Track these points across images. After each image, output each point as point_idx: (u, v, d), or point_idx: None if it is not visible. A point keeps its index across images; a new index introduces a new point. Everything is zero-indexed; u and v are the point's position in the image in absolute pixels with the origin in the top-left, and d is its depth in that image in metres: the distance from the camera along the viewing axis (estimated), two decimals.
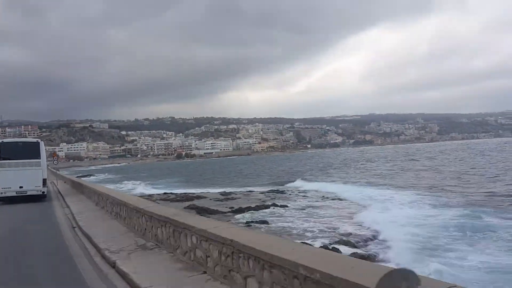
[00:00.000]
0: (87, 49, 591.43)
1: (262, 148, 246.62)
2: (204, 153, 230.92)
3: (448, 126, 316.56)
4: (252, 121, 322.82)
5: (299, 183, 46.87)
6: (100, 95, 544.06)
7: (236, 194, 37.77)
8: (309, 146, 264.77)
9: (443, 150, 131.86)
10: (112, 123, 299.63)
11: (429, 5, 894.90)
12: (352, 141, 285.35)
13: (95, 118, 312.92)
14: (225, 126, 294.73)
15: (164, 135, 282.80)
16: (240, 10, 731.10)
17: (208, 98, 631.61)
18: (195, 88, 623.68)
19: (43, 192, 22.40)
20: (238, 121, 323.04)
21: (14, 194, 21.57)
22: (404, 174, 51.20)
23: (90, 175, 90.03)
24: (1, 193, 21.35)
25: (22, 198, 21.58)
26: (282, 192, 38.72)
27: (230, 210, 26.99)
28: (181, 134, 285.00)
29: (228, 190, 43.01)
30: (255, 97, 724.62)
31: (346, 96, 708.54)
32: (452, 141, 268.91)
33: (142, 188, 50.79)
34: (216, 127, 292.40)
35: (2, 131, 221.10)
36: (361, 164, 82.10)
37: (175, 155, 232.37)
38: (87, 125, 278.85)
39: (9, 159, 21.51)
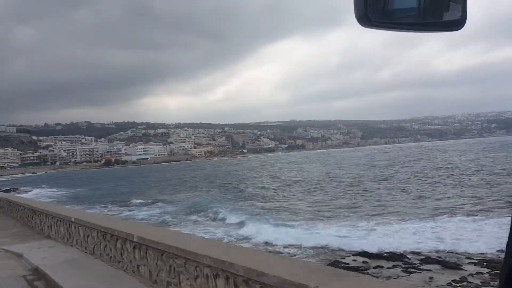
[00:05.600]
0: None
1: (199, 153, 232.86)
2: (137, 159, 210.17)
3: (369, 132, 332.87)
4: (178, 126, 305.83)
5: None
6: (2, 97, 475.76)
7: None
8: (245, 151, 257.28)
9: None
10: (18, 128, 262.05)
11: (339, 19, 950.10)
12: (285, 146, 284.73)
13: None
14: (153, 131, 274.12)
15: (83, 140, 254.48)
16: (154, 13, 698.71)
17: (123, 103, 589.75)
18: (110, 92, 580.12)
19: None
20: (164, 126, 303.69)
21: None
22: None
23: (16, 190, 61.86)
24: None
25: None
26: None
27: None
28: (103, 139, 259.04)
29: None
30: (173, 103, 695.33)
31: (264, 104, 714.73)
32: (376, 145, 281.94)
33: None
34: (144, 131, 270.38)
35: None
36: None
37: (103, 161, 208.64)
38: None
39: None
